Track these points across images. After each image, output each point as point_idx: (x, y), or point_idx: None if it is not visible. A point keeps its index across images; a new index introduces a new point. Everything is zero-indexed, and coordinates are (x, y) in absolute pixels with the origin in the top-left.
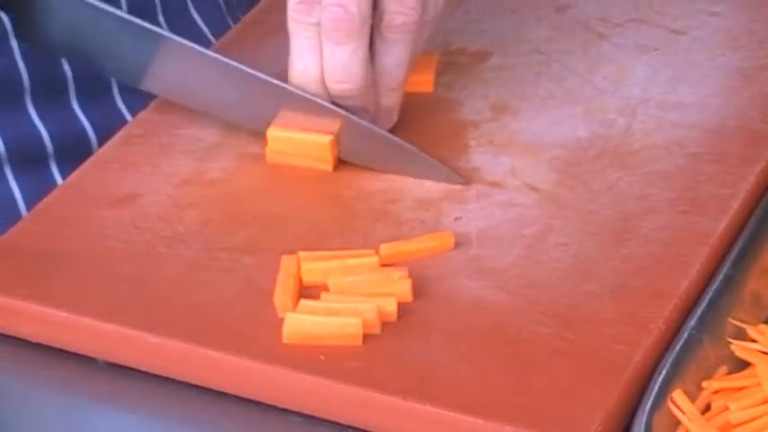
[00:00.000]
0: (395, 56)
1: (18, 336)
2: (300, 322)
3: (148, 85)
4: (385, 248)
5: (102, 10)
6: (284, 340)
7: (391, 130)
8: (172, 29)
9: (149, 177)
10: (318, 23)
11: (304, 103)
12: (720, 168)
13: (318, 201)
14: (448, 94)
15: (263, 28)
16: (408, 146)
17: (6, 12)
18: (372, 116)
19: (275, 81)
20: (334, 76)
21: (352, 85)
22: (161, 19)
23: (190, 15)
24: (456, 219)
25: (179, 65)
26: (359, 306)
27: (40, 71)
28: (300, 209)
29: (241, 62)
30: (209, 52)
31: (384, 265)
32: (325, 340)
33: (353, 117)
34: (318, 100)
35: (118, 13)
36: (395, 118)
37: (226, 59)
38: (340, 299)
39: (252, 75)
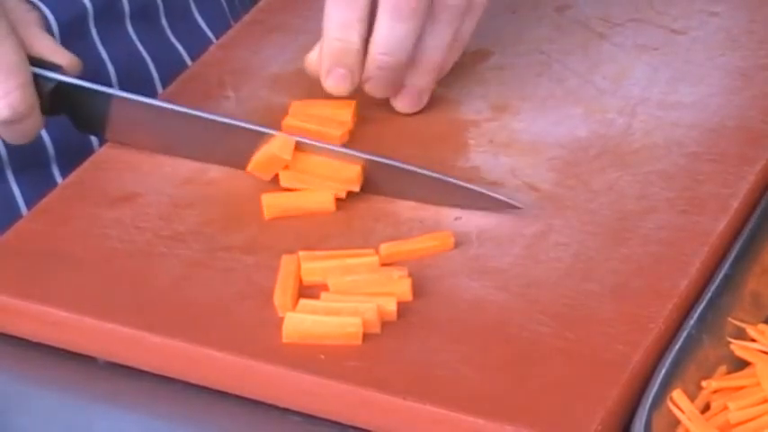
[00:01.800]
0: (439, 37)
1: (18, 335)
2: (300, 321)
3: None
4: (385, 248)
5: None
6: (284, 340)
7: (393, 131)
8: (174, 31)
9: (149, 177)
10: None
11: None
12: (720, 168)
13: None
14: (448, 93)
15: (263, 28)
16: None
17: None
18: (399, 94)
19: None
20: (384, 48)
21: (397, 60)
22: (164, 21)
23: (192, 17)
24: (456, 218)
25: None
26: (359, 306)
27: None
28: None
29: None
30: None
31: (384, 265)
32: (325, 340)
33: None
34: (332, 147)
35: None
36: (425, 101)
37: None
38: (340, 298)
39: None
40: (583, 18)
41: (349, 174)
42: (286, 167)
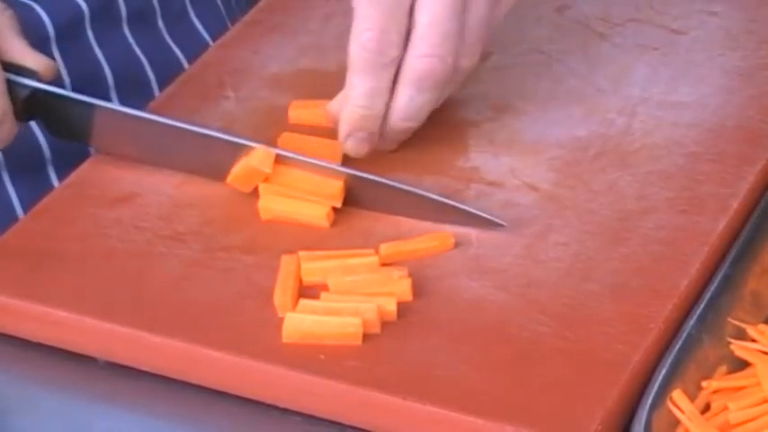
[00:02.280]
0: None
1: (18, 335)
2: (300, 321)
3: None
4: (385, 248)
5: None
6: (284, 340)
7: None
8: (171, 33)
9: (149, 177)
10: (391, 63)
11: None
12: (720, 168)
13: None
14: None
15: (262, 28)
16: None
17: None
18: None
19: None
20: (404, 116)
21: (416, 124)
22: (161, 24)
23: (189, 19)
24: None
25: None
26: (359, 306)
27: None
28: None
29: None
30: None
31: (384, 265)
32: (325, 340)
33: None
34: (315, 161)
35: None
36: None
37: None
38: (340, 298)
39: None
40: (583, 18)
41: (331, 189)
42: (266, 180)
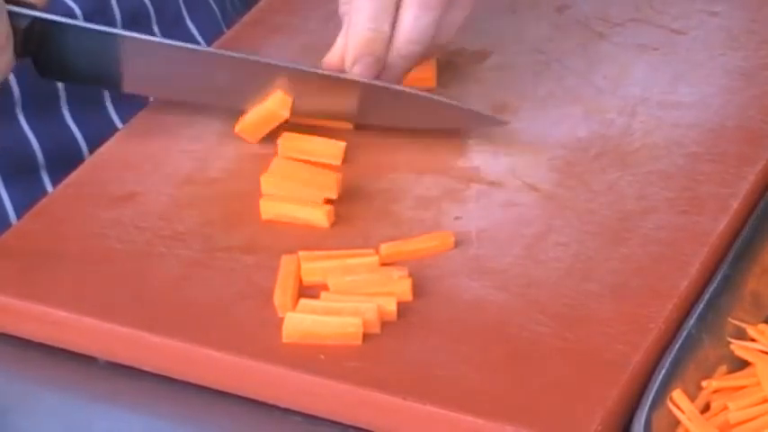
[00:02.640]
0: (453, 21)
1: (18, 335)
2: (300, 321)
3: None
4: (385, 248)
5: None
6: (284, 339)
7: (393, 130)
8: (167, 37)
9: (149, 177)
10: None
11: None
12: (720, 168)
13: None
14: (447, 93)
15: (263, 28)
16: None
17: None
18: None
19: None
20: (410, 37)
21: (421, 48)
22: (156, 28)
23: (185, 24)
24: (456, 218)
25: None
26: (359, 305)
27: (30, 81)
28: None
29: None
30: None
31: (384, 265)
32: (326, 339)
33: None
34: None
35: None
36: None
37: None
38: (340, 298)
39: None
40: (582, 18)
41: (327, 181)
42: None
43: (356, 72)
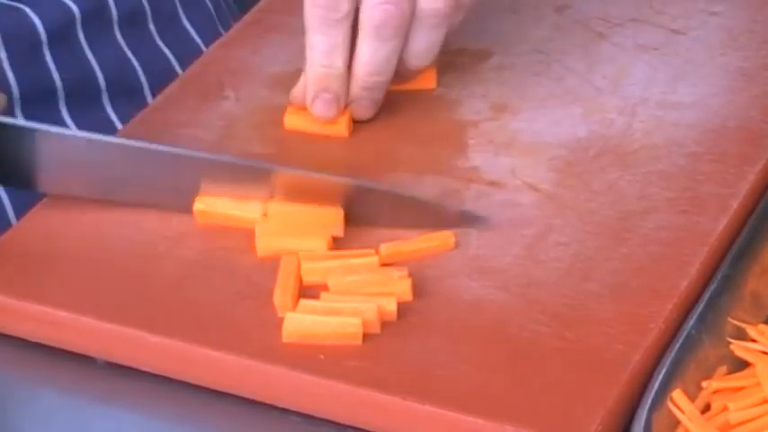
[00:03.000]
0: (423, 43)
1: (18, 335)
2: (300, 322)
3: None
4: (385, 248)
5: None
6: (284, 339)
7: (393, 130)
8: (163, 37)
9: None
10: (344, 18)
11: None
12: (720, 168)
13: None
14: (448, 93)
15: (262, 28)
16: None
17: None
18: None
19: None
20: (371, 69)
21: (384, 79)
22: (152, 27)
23: (180, 23)
24: None
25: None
26: (359, 306)
27: (29, 81)
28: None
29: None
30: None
31: (384, 265)
32: (326, 340)
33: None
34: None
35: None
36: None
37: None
38: (340, 298)
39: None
40: (582, 18)
41: (331, 218)
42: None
43: (316, 110)
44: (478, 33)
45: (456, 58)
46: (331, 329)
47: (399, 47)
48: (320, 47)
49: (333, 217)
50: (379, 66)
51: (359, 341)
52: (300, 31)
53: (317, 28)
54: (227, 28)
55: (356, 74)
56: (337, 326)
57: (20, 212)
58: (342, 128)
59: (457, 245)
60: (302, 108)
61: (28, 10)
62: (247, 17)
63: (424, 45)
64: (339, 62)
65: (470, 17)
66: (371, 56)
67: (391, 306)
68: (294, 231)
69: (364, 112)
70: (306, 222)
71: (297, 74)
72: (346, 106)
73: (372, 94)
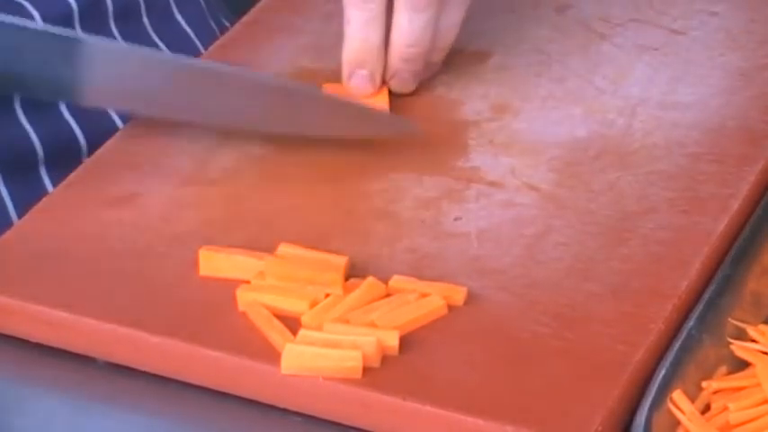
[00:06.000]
0: (452, 18)
1: (17, 335)
2: (300, 354)
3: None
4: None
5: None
6: (283, 372)
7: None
8: (157, 30)
9: (149, 177)
10: None
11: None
12: (720, 168)
13: (318, 201)
14: (448, 94)
15: (263, 28)
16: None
17: None
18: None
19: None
20: (407, 41)
21: (421, 50)
22: (146, 20)
23: (173, 16)
24: (456, 219)
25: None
26: (357, 339)
27: None
28: (300, 209)
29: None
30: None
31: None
32: (325, 372)
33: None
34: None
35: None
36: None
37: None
38: (340, 329)
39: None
40: (583, 18)
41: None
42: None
43: (352, 86)
44: (478, 33)
45: (456, 58)
46: (331, 363)
47: (435, 18)
48: (357, 20)
49: (331, 276)
50: (415, 36)
51: (359, 375)
52: (301, 32)
53: (353, 3)
54: (218, 24)
55: (393, 45)
56: (337, 359)
57: (20, 209)
58: (383, 101)
59: (457, 245)
60: (339, 85)
61: (27, 4)
62: (247, 17)
63: (452, 20)
64: (375, 36)
65: (470, 17)
66: (407, 25)
67: (393, 340)
68: (286, 291)
69: (404, 84)
70: (305, 278)
71: (297, 74)
72: (384, 82)
73: (411, 65)
